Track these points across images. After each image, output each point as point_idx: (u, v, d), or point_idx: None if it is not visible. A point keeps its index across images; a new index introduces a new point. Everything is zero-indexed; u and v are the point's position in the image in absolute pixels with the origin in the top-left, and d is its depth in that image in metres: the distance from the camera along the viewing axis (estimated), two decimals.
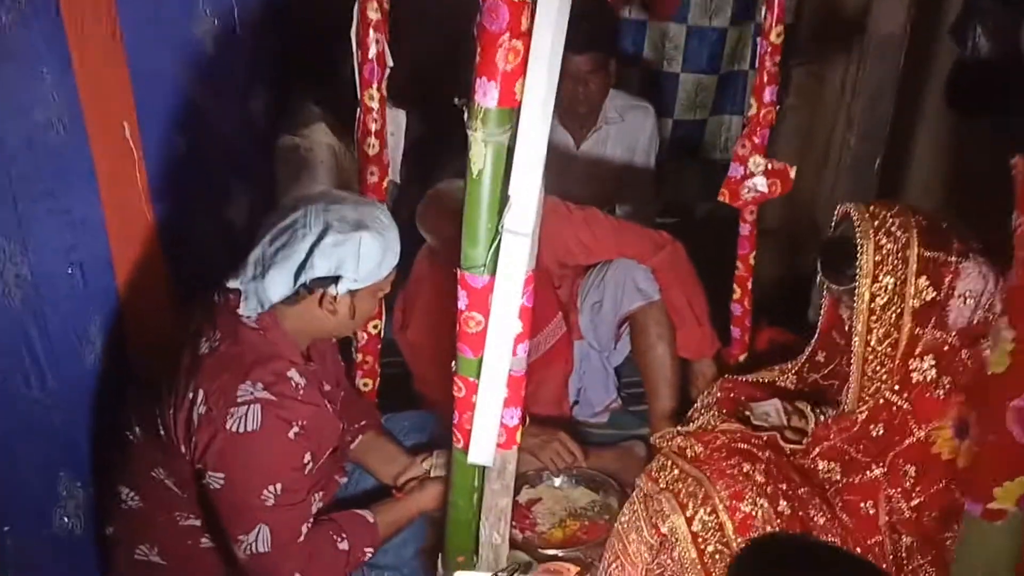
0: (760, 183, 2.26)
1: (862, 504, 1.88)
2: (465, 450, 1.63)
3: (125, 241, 1.92)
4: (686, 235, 2.65)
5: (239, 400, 1.61)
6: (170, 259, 2.08)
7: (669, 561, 1.90)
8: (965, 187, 2.77)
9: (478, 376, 1.54)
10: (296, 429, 1.66)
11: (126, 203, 1.92)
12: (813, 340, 2.18)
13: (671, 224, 3.50)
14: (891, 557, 1.86)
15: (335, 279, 1.65)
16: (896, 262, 1.77)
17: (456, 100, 1.35)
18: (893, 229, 1.77)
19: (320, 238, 1.62)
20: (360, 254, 1.63)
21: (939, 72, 2.82)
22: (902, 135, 2.94)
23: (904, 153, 3.05)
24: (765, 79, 2.17)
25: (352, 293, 1.69)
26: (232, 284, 1.68)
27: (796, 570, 1.11)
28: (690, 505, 1.88)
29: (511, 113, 1.33)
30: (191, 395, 1.64)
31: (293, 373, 1.69)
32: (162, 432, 1.70)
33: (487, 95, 1.29)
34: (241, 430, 1.60)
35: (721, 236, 3.03)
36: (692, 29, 3.52)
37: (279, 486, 1.65)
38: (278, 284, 1.63)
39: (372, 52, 2.01)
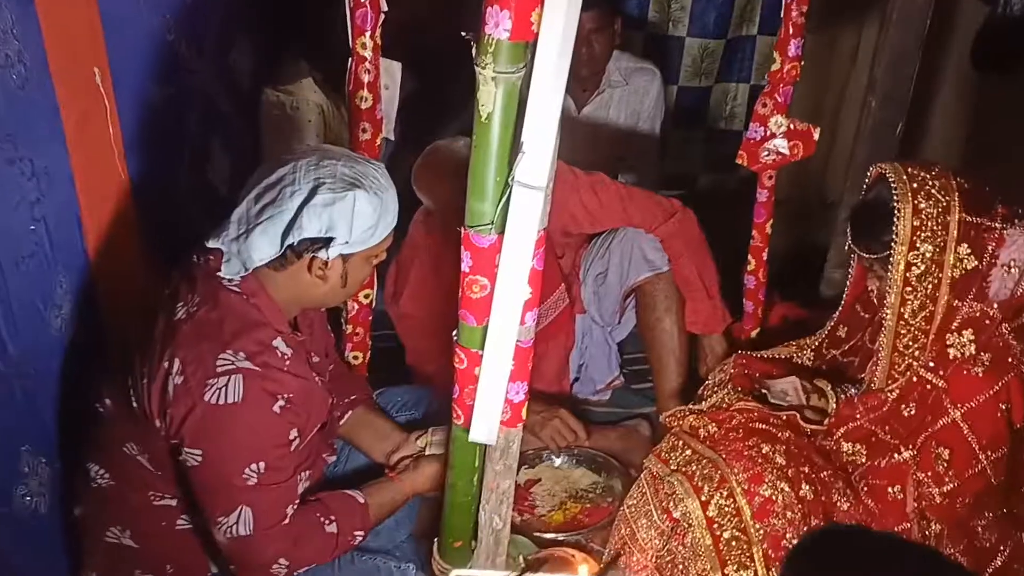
0: (781, 145, 2.12)
1: (889, 489, 1.77)
2: (466, 427, 1.50)
3: (95, 196, 1.78)
4: (688, 208, 2.51)
5: (219, 370, 1.48)
6: (145, 218, 1.94)
7: (681, 547, 1.79)
8: (988, 153, 2.66)
9: (482, 347, 1.40)
10: (281, 403, 1.53)
11: (96, 155, 1.79)
12: (836, 313, 2.05)
13: (673, 196, 3.38)
14: None
15: (326, 241, 1.50)
16: (936, 227, 1.64)
17: (463, 32, 1.20)
18: (933, 191, 1.64)
19: (310, 196, 1.47)
20: (354, 215, 1.49)
21: (963, 34, 2.70)
22: (923, 100, 2.82)
23: (925, 118, 2.93)
24: (791, 31, 2.03)
25: (344, 258, 1.56)
26: (213, 244, 1.53)
27: (861, 567, 0.97)
28: (705, 488, 1.76)
29: (526, 48, 1.18)
30: (166, 364, 1.50)
31: (279, 343, 1.56)
32: (135, 404, 1.56)
33: (499, 25, 1.14)
34: (221, 402, 1.47)
35: (725, 209, 2.92)
36: None
37: (262, 464, 1.52)
38: (263, 245, 1.49)
39: None
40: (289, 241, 1.49)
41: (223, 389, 1.47)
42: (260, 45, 2.67)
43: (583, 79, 2.91)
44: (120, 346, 1.68)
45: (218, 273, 1.54)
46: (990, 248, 1.66)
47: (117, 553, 1.68)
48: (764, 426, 1.86)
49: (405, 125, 2.98)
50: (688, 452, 1.89)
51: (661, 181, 3.36)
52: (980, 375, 1.67)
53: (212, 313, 1.52)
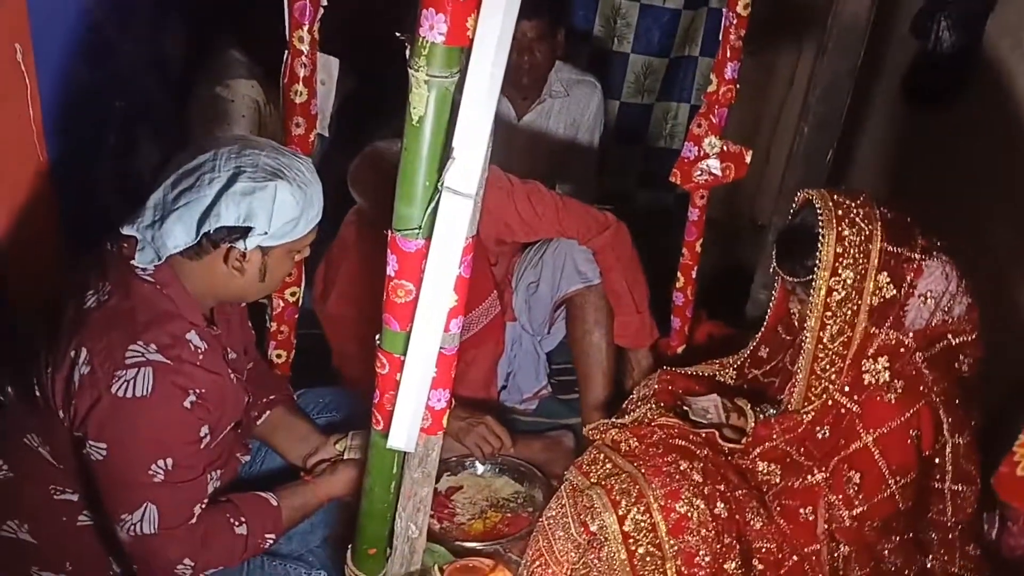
0: (714, 166, 2.15)
1: (801, 510, 1.79)
2: (385, 433, 1.47)
3: (12, 180, 1.72)
4: (625, 224, 2.52)
5: (128, 362, 1.42)
6: (64, 205, 1.86)
7: (597, 561, 1.79)
8: (915, 185, 2.73)
9: (404, 352, 1.38)
10: (192, 398, 1.48)
11: (14, 137, 1.73)
12: (758, 334, 2.08)
13: (609, 211, 3.40)
14: (827, 567, 1.78)
15: (244, 231, 1.46)
16: (858, 255, 1.67)
17: (398, 33, 1.18)
18: (857, 220, 1.68)
19: (229, 183, 1.43)
20: (274, 206, 1.45)
21: (894, 66, 2.78)
22: (854, 128, 2.89)
23: (855, 147, 3.01)
24: (728, 54, 2.06)
25: (264, 251, 1.51)
26: (127, 230, 1.48)
27: None
28: (623, 503, 1.76)
29: (460, 53, 1.16)
30: (72, 353, 1.44)
31: (192, 336, 1.51)
32: (38, 394, 1.50)
33: (434, 28, 1.12)
34: (128, 395, 1.42)
35: (661, 227, 2.95)
36: (646, 8, 3.42)
37: (170, 461, 1.48)
38: (178, 232, 1.44)
39: None
40: (205, 229, 1.44)
41: (131, 382, 1.41)
42: (195, 33, 2.59)
43: (524, 87, 2.91)
44: (27, 334, 1.61)
45: (131, 261, 1.48)
46: (909, 278, 1.70)
47: (13, 549, 1.60)
48: (683, 443, 1.88)
49: (344, 123, 2.94)
50: (609, 466, 1.89)
51: (599, 195, 3.38)
52: (893, 402, 1.70)
53: (123, 303, 1.47)
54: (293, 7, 1.86)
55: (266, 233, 1.47)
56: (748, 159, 2.16)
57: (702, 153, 2.16)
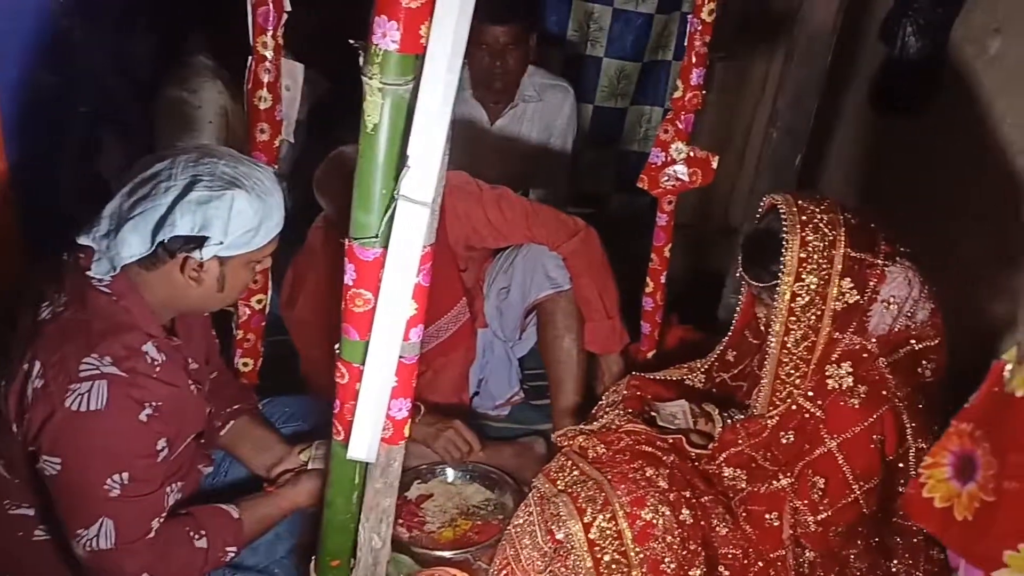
0: (681, 171, 2.15)
1: (767, 515, 1.79)
2: (345, 443, 1.45)
3: None
4: (599, 228, 2.52)
5: (82, 375, 1.40)
6: (25, 212, 1.83)
7: (563, 569, 1.78)
8: (883, 191, 2.75)
9: (363, 361, 1.36)
10: (148, 411, 1.46)
11: None
12: (726, 338, 2.08)
13: (584, 215, 3.39)
14: (793, 572, 1.77)
15: (199, 241, 1.44)
16: (821, 260, 1.68)
17: (352, 41, 1.17)
18: (821, 225, 1.68)
19: (185, 192, 1.41)
20: (231, 215, 1.43)
21: (863, 72, 2.79)
22: (823, 135, 2.90)
23: (823, 153, 3.02)
24: (693, 60, 2.06)
25: (221, 261, 1.49)
26: (83, 240, 1.45)
27: None
28: (588, 510, 1.75)
29: (415, 61, 1.15)
30: (26, 366, 1.42)
31: (149, 347, 1.49)
32: None
33: (387, 36, 1.11)
34: (82, 409, 1.39)
35: (636, 231, 2.94)
36: (618, 12, 3.42)
37: (126, 475, 1.45)
38: (133, 241, 1.42)
39: None
40: (160, 238, 1.42)
41: (85, 395, 1.39)
42: (162, 38, 2.56)
43: (496, 92, 2.90)
44: None
45: (87, 272, 1.46)
46: (871, 284, 1.71)
47: None
48: (650, 449, 1.87)
49: (317, 127, 2.92)
50: (576, 473, 1.88)
51: (573, 199, 3.38)
52: (856, 407, 1.70)
53: (78, 314, 1.44)
54: (256, 12, 1.84)
55: (222, 243, 1.45)
56: (715, 165, 2.16)
57: (669, 159, 2.16)
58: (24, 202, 1.83)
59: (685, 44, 2.10)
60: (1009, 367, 0.75)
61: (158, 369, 1.49)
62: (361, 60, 1.15)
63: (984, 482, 0.77)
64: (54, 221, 1.90)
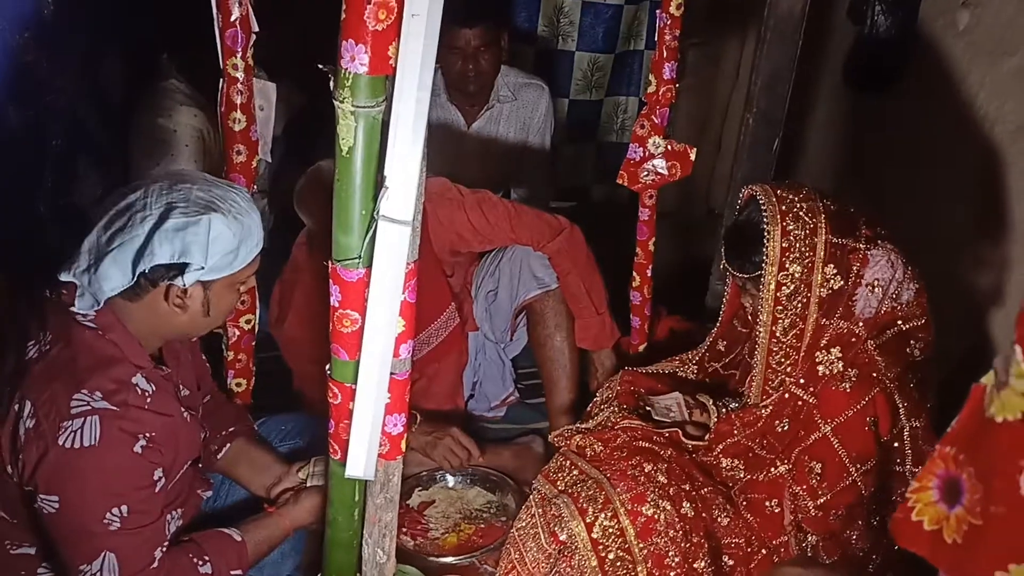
0: (660, 165, 2.15)
1: (767, 503, 1.80)
2: (343, 462, 1.45)
3: None
4: (583, 220, 2.52)
5: (74, 412, 1.40)
6: (2, 247, 1.81)
7: (568, 569, 1.79)
8: (861, 170, 2.76)
9: (355, 381, 1.36)
10: (142, 442, 1.45)
11: None
12: (715, 328, 2.09)
13: (567, 209, 3.40)
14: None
15: (180, 268, 1.44)
16: (804, 248, 1.68)
17: (321, 65, 1.16)
18: (801, 214, 1.69)
19: (161, 220, 1.41)
20: (209, 239, 1.43)
21: (835, 52, 2.80)
22: (799, 117, 2.91)
23: (801, 135, 3.03)
24: (664, 54, 2.06)
25: (204, 285, 1.49)
26: (64, 276, 1.45)
27: None
28: (590, 510, 1.76)
29: (385, 82, 1.15)
30: (16, 407, 1.41)
31: (139, 379, 1.48)
32: None
33: (355, 60, 1.11)
34: (76, 445, 1.39)
35: (619, 221, 2.95)
36: (588, 5, 3.43)
37: (124, 508, 1.45)
38: (114, 274, 1.42)
39: (235, 15, 1.80)
40: (141, 268, 1.42)
41: (78, 432, 1.39)
42: (133, 65, 2.54)
43: (471, 95, 2.90)
44: None
45: (71, 308, 1.46)
46: (855, 268, 1.72)
47: None
48: (647, 444, 1.88)
49: (291, 143, 2.90)
50: (575, 472, 1.89)
51: (554, 194, 3.38)
52: (847, 391, 1.71)
53: (65, 351, 1.44)
54: (225, 35, 1.84)
55: (203, 267, 1.44)
56: (693, 157, 2.17)
57: (647, 154, 2.16)
58: (1, 239, 1.82)
59: (656, 33, 2.11)
60: (989, 391, 0.75)
61: (149, 400, 1.48)
62: (332, 84, 1.15)
63: (971, 505, 0.77)
64: (33, 255, 1.89)
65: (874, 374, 1.71)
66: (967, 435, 0.79)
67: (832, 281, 1.70)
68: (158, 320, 1.51)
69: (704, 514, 1.78)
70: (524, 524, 1.91)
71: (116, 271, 1.41)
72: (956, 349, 2.09)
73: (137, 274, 1.42)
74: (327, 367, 1.40)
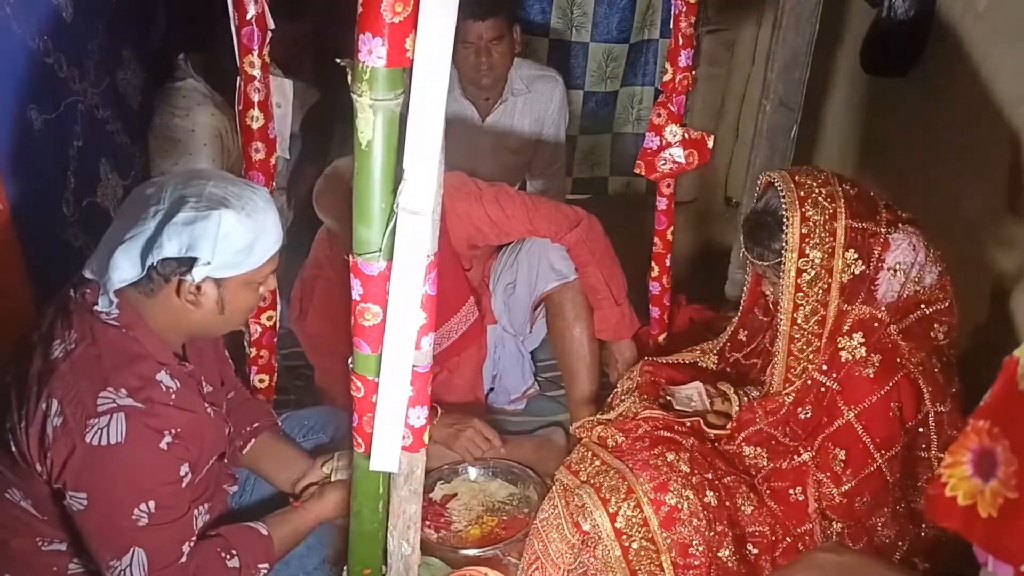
0: (677, 154, 2.14)
1: (791, 491, 1.80)
2: (367, 455, 1.46)
3: None
4: (600, 212, 2.52)
5: (100, 409, 1.41)
6: (28, 251, 1.84)
7: (592, 559, 1.79)
8: (880, 154, 2.73)
9: (378, 374, 1.37)
10: (168, 439, 1.46)
11: None
12: (735, 318, 2.08)
13: (584, 201, 3.40)
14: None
15: (189, 262, 1.43)
16: (824, 234, 1.67)
17: (338, 59, 1.17)
18: (820, 199, 1.68)
19: (171, 213, 1.41)
20: (219, 234, 1.42)
21: (852, 37, 2.77)
22: (817, 102, 2.89)
23: (819, 121, 3.01)
24: (680, 42, 2.05)
25: (218, 283, 1.49)
26: (86, 272, 1.46)
27: None
28: (613, 500, 1.76)
29: (403, 74, 1.15)
30: (44, 405, 1.42)
31: (163, 376, 1.49)
32: (13, 449, 1.48)
33: (373, 53, 1.11)
34: (103, 443, 1.40)
35: (636, 212, 2.94)
36: None
37: (152, 503, 1.46)
38: (123, 266, 1.42)
39: (251, 13, 1.81)
40: (150, 261, 1.42)
41: (105, 429, 1.40)
42: (151, 65, 2.56)
43: (485, 88, 2.89)
44: None
45: (95, 307, 1.47)
46: (876, 252, 1.71)
47: None
48: (669, 434, 1.88)
49: (310, 141, 2.92)
50: (597, 463, 1.89)
51: (571, 186, 3.37)
52: (871, 376, 1.70)
53: (90, 350, 1.45)
54: (241, 33, 1.84)
55: (210, 263, 1.43)
56: (711, 144, 2.16)
57: (664, 143, 2.16)
58: (27, 243, 1.84)
59: (671, 22, 2.10)
60: (1022, 364, 0.74)
61: (174, 396, 1.49)
62: (349, 78, 1.15)
63: (1006, 478, 0.76)
64: (57, 259, 1.92)
65: (898, 359, 1.70)
66: (1000, 408, 0.78)
67: (853, 266, 1.69)
68: (174, 316, 1.51)
69: (727, 503, 1.78)
70: (547, 515, 1.92)
71: (126, 262, 1.42)
72: (978, 332, 2.07)
73: (147, 267, 1.42)
74: (349, 361, 1.41)
